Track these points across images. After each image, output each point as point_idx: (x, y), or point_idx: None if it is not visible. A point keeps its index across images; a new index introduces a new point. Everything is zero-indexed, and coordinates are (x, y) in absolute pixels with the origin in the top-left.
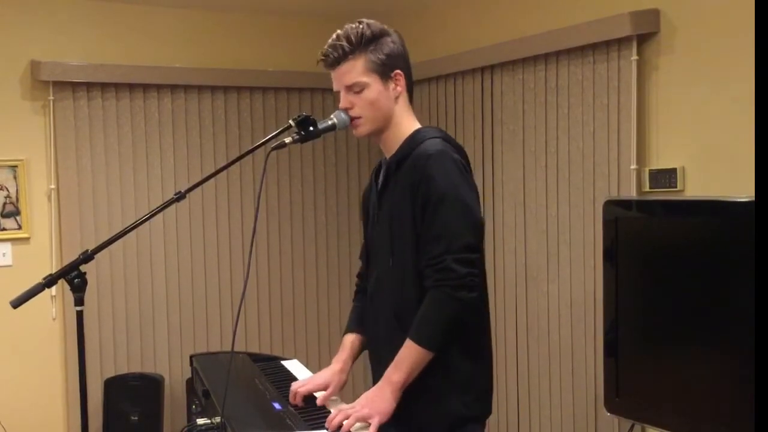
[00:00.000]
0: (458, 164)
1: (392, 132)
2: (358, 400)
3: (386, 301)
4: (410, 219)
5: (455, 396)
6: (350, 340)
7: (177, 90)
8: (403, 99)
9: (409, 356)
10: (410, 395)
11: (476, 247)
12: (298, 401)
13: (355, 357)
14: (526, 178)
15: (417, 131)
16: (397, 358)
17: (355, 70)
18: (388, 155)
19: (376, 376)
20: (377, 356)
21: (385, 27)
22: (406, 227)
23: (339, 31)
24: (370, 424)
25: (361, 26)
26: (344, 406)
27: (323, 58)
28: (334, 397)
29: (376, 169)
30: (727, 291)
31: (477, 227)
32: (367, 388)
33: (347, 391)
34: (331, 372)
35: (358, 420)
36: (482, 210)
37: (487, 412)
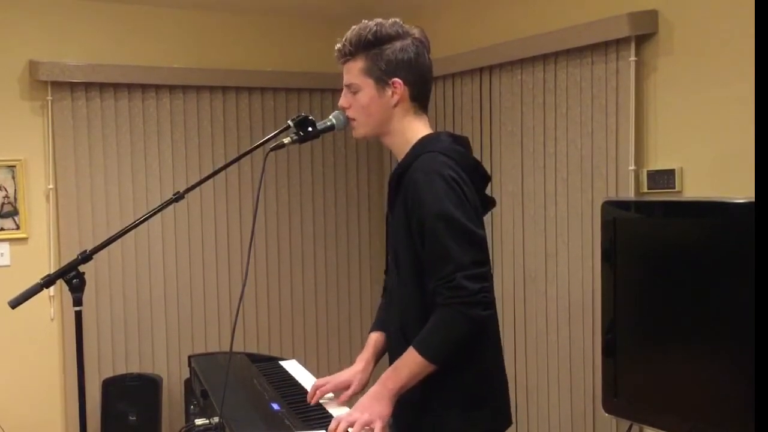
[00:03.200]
0: (448, 181)
1: (395, 139)
2: (354, 407)
3: (394, 314)
4: (407, 239)
5: (461, 412)
6: (374, 338)
7: (176, 90)
8: (404, 107)
9: (409, 365)
10: (415, 410)
11: (482, 261)
12: (316, 401)
13: (379, 355)
14: (524, 179)
15: (421, 140)
16: (396, 363)
17: (353, 71)
18: (399, 161)
19: None
20: (390, 356)
21: (402, 30)
22: (404, 246)
23: (353, 27)
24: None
25: (368, 28)
26: (341, 413)
27: (335, 54)
28: (330, 396)
29: (391, 175)
30: (724, 291)
31: (476, 242)
32: None
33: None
34: (354, 371)
35: (362, 426)
36: (482, 223)
37: (502, 427)
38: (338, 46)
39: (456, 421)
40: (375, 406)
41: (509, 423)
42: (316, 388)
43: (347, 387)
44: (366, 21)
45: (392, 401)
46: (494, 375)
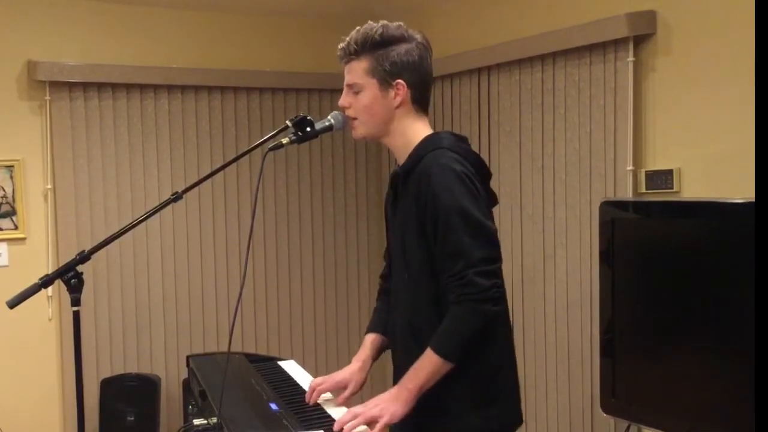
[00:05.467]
0: (461, 176)
1: (396, 140)
2: (370, 401)
3: (403, 311)
4: (419, 236)
5: (475, 410)
6: (371, 339)
7: (174, 90)
8: (406, 108)
9: (428, 365)
10: (430, 409)
11: (495, 258)
12: (314, 400)
13: (376, 357)
14: (522, 179)
15: (425, 140)
16: (415, 365)
17: (357, 70)
18: (399, 162)
19: (396, 378)
20: (395, 361)
21: (407, 33)
22: (415, 244)
23: (358, 28)
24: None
25: (374, 29)
26: (340, 414)
27: (338, 52)
28: (329, 396)
29: (393, 174)
30: (723, 291)
31: (490, 238)
32: (385, 389)
33: (365, 390)
34: (351, 371)
35: (366, 420)
36: (492, 218)
37: (514, 424)
38: (342, 45)
39: (468, 417)
40: (390, 404)
41: (520, 421)
42: (313, 387)
43: (345, 387)
44: (371, 22)
45: (410, 402)
46: (504, 371)
